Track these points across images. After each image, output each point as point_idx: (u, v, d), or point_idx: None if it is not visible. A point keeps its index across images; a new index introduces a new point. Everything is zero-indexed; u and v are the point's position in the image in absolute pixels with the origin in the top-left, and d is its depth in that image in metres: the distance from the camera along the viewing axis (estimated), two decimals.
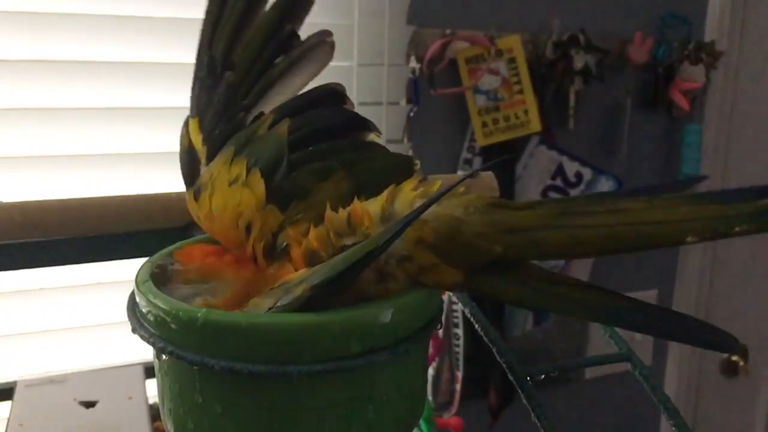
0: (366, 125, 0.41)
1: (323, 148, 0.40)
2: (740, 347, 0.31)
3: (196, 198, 0.40)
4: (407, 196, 0.35)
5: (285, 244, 0.36)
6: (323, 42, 0.44)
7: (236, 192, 0.38)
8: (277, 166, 0.39)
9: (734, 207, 0.31)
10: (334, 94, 0.43)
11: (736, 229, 0.30)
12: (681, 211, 0.32)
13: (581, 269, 1.37)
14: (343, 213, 0.34)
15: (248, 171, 0.39)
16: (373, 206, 0.34)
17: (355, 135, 0.42)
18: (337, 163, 0.39)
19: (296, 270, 0.34)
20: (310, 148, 0.39)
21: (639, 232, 0.32)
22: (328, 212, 0.35)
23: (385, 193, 0.35)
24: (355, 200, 0.35)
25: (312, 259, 0.34)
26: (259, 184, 0.38)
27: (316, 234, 0.35)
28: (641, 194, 0.33)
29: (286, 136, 0.40)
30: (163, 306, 0.32)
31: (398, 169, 0.38)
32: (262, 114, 0.43)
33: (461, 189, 0.35)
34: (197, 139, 0.44)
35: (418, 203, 0.34)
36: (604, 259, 1.38)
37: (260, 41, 0.44)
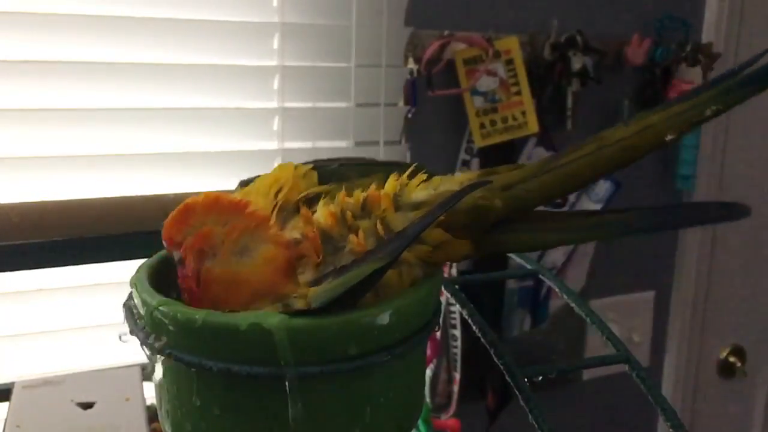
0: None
1: (376, 162, 0.43)
2: (746, 208, 0.35)
3: (241, 187, 0.41)
4: (413, 185, 0.37)
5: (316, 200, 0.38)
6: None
7: (282, 168, 0.40)
8: (328, 164, 0.42)
9: (700, 97, 0.35)
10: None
11: (707, 113, 0.34)
12: (654, 118, 0.35)
13: (578, 271, 1.37)
14: (359, 195, 0.36)
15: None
16: (384, 194, 0.36)
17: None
18: (381, 170, 0.41)
19: (305, 235, 0.35)
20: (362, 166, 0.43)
21: (622, 147, 0.35)
22: (342, 194, 0.36)
23: (393, 183, 0.37)
24: (373, 186, 0.37)
25: (323, 237, 0.35)
26: (307, 167, 0.41)
27: (328, 212, 0.35)
28: (621, 124, 0.36)
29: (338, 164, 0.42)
30: (160, 308, 0.32)
31: None
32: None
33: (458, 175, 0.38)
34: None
35: (422, 193, 0.36)
36: (601, 261, 1.39)
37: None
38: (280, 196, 0.37)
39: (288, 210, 0.37)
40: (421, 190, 0.37)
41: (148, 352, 0.33)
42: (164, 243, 0.36)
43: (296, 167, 0.40)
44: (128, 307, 0.35)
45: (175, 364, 0.32)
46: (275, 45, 1.00)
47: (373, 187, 0.37)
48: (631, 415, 1.51)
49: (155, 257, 0.38)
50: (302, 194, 0.38)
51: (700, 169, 1.45)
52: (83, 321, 0.94)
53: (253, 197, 0.37)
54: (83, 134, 0.92)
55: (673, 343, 1.56)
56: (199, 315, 0.31)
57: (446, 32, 1.14)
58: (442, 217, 0.34)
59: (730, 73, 0.35)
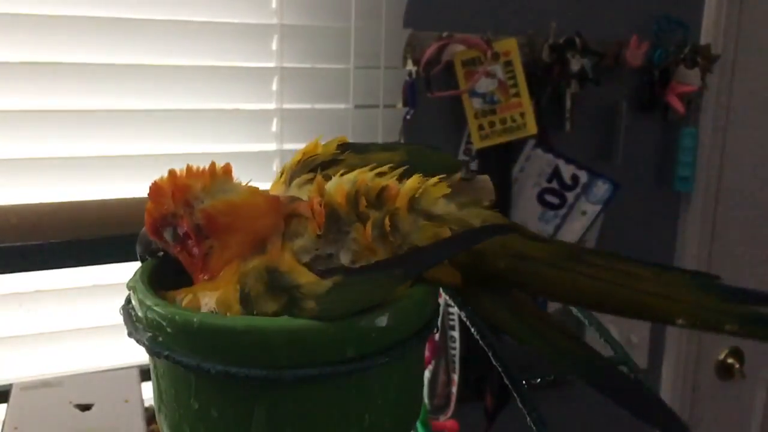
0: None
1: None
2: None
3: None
4: (434, 194, 0.36)
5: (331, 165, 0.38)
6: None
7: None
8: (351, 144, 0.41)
9: (730, 305, 0.33)
10: None
11: (726, 327, 0.32)
12: (681, 292, 0.33)
13: None
14: (378, 182, 0.36)
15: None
16: (403, 190, 0.36)
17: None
18: (402, 146, 0.42)
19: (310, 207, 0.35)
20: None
21: (634, 298, 0.34)
22: (362, 176, 0.36)
23: (415, 183, 0.36)
24: (393, 177, 0.37)
25: (330, 214, 0.35)
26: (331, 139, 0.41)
27: (343, 189, 0.35)
28: (654, 266, 0.34)
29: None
30: (158, 310, 0.32)
31: (446, 167, 0.41)
32: None
33: (484, 201, 0.38)
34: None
35: (442, 207, 0.36)
36: None
37: None
38: (298, 157, 0.40)
39: (297, 170, 0.39)
40: (442, 205, 0.36)
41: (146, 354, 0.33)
42: (151, 232, 0.36)
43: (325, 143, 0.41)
44: (126, 310, 0.35)
45: (173, 367, 0.32)
46: (274, 46, 1.00)
47: (393, 180, 0.36)
48: (628, 416, 1.51)
49: (154, 260, 0.38)
50: (319, 158, 0.39)
51: (699, 171, 1.45)
52: (82, 322, 0.94)
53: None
54: (82, 136, 0.92)
55: (672, 344, 1.56)
56: (197, 317, 0.31)
57: (445, 34, 1.14)
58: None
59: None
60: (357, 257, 0.34)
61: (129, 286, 0.35)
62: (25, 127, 0.89)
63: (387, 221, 0.34)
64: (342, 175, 0.37)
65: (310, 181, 0.38)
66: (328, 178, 0.37)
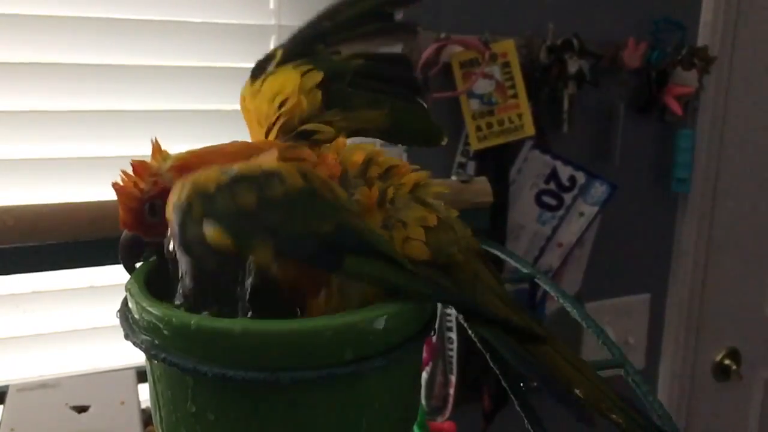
0: (419, 91, 0.47)
1: (384, 87, 0.44)
2: None
3: (253, 79, 0.44)
4: (434, 188, 0.39)
5: (314, 132, 0.39)
6: (410, 28, 0.51)
7: (290, 75, 0.42)
8: (338, 78, 0.42)
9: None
10: (403, 61, 0.49)
11: (612, 416, 0.33)
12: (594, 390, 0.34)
13: (575, 274, 1.37)
14: (391, 159, 0.38)
15: (311, 70, 0.42)
16: (412, 174, 0.38)
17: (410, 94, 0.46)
18: (388, 102, 0.42)
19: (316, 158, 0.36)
20: (373, 83, 0.44)
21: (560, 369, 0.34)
22: (377, 150, 0.39)
23: (423, 174, 0.39)
24: (404, 160, 0.38)
25: (342, 175, 0.36)
26: (316, 77, 0.42)
27: (360, 155, 0.38)
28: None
29: (355, 64, 0.44)
30: (155, 312, 0.32)
31: (426, 133, 0.44)
32: (339, 52, 0.47)
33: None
34: (277, 53, 0.47)
35: (434, 199, 0.39)
36: (596, 264, 1.39)
37: (365, 11, 0.49)
38: (283, 109, 0.40)
39: (289, 129, 0.40)
40: (436, 199, 0.39)
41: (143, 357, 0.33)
42: (132, 226, 0.37)
43: (302, 78, 0.42)
44: (123, 312, 0.35)
45: (169, 369, 0.32)
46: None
47: (403, 161, 0.39)
48: None
49: (150, 262, 0.38)
50: (308, 119, 0.40)
51: (696, 173, 1.45)
52: (78, 324, 0.94)
53: (259, 100, 0.41)
54: (80, 136, 0.91)
55: (669, 345, 1.56)
56: (194, 320, 0.31)
57: (443, 35, 1.14)
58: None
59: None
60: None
61: (126, 288, 0.35)
62: (22, 128, 0.89)
63: (390, 191, 0.37)
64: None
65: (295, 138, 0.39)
66: (315, 143, 0.39)
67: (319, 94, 0.41)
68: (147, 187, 0.36)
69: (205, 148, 0.38)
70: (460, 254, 0.37)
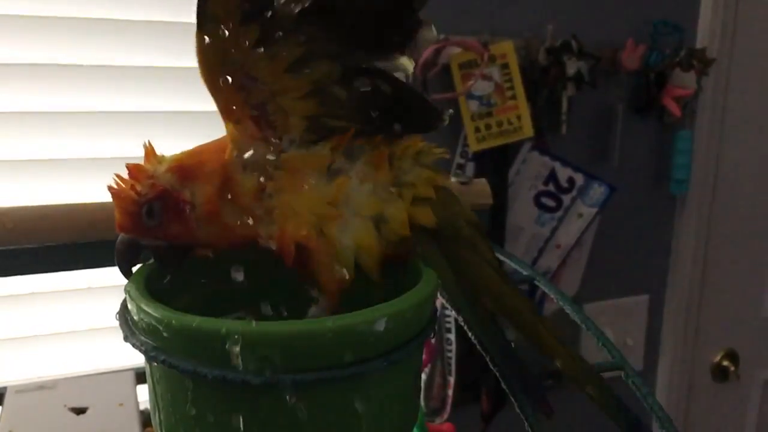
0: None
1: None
2: None
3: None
4: (436, 154, 0.42)
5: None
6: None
7: None
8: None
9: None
10: None
11: (587, 388, 0.38)
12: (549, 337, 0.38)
13: (573, 275, 1.37)
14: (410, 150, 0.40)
15: None
16: (416, 140, 0.40)
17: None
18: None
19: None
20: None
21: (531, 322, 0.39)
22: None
23: (424, 143, 0.41)
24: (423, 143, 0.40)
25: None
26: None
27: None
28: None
29: None
30: (155, 314, 0.32)
31: (425, 115, 0.41)
32: None
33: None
34: None
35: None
36: (595, 265, 1.39)
37: None
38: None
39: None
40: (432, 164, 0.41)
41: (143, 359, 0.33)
42: (129, 229, 0.36)
43: None
44: (122, 314, 0.35)
45: (169, 371, 0.32)
46: None
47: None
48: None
49: (149, 264, 0.38)
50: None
51: (694, 174, 1.45)
52: (76, 325, 0.93)
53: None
54: (79, 137, 0.91)
55: (667, 346, 1.56)
56: (195, 321, 0.31)
57: (442, 36, 1.14)
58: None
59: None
60: (365, 175, 0.37)
61: (125, 290, 0.35)
62: (20, 128, 0.89)
63: (399, 150, 0.38)
64: None
65: None
66: None
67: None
68: (144, 190, 0.36)
69: (195, 147, 0.38)
70: (466, 228, 0.39)
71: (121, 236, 0.37)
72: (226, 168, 0.36)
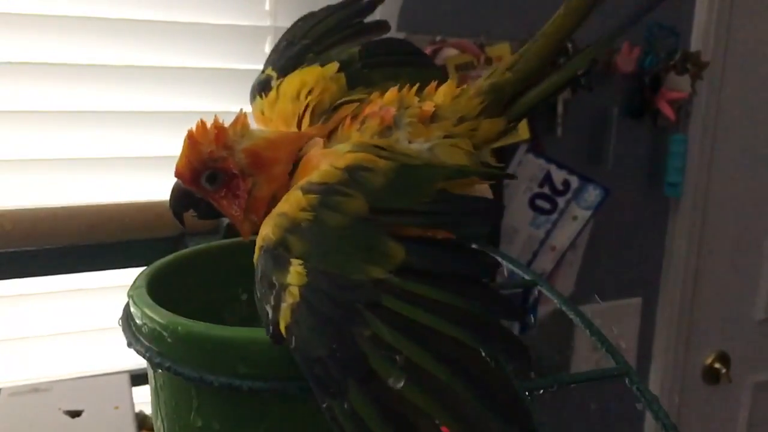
0: (426, 56, 0.50)
1: (396, 60, 0.46)
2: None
3: (263, 94, 0.44)
4: (462, 100, 0.40)
5: (336, 104, 0.40)
6: (383, 25, 0.52)
7: (309, 70, 0.43)
8: (350, 64, 0.43)
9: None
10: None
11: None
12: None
13: (567, 277, 1.37)
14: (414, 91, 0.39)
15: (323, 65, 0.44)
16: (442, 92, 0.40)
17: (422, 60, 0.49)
18: (405, 72, 0.44)
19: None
20: (382, 59, 0.45)
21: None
22: (405, 90, 0.39)
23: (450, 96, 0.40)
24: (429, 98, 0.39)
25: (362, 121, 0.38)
26: (333, 65, 0.43)
27: (393, 96, 0.39)
28: None
29: (357, 51, 0.45)
30: (159, 319, 0.31)
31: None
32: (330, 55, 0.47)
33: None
34: (273, 73, 0.47)
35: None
36: (589, 268, 1.39)
37: (334, 23, 0.50)
38: (311, 97, 0.41)
39: (323, 111, 0.40)
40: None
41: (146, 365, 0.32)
42: (188, 180, 0.37)
43: (324, 68, 0.43)
44: (126, 319, 0.34)
45: (173, 378, 0.31)
46: (267, 49, 1.00)
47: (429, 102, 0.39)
48: (622, 418, 1.51)
49: (153, 267, 0.38)
50: (339, 100, 0.41)
51: (688, 177, 1.46)
52: (71, 327, 0.92)
53: (282, 103, 0.42)
54: (78, 137, 0.90)
55: (659, 349, 1.57)
56: (200, 327, 0.30)
57: (438, 38, 1.14)
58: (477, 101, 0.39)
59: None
60: (413, 135, 0.37)
61: (128, 295, 0.34)
62: (20, 128, 0.88)
63: (429, 107, 0.38)
64: None
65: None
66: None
67: (342, 77, 0.42)
68: (217, 156, 0.36)
69: (275, 135, 0.39)
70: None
71: (178, 183, 0.38)
72: (290, 183, 0.36)
